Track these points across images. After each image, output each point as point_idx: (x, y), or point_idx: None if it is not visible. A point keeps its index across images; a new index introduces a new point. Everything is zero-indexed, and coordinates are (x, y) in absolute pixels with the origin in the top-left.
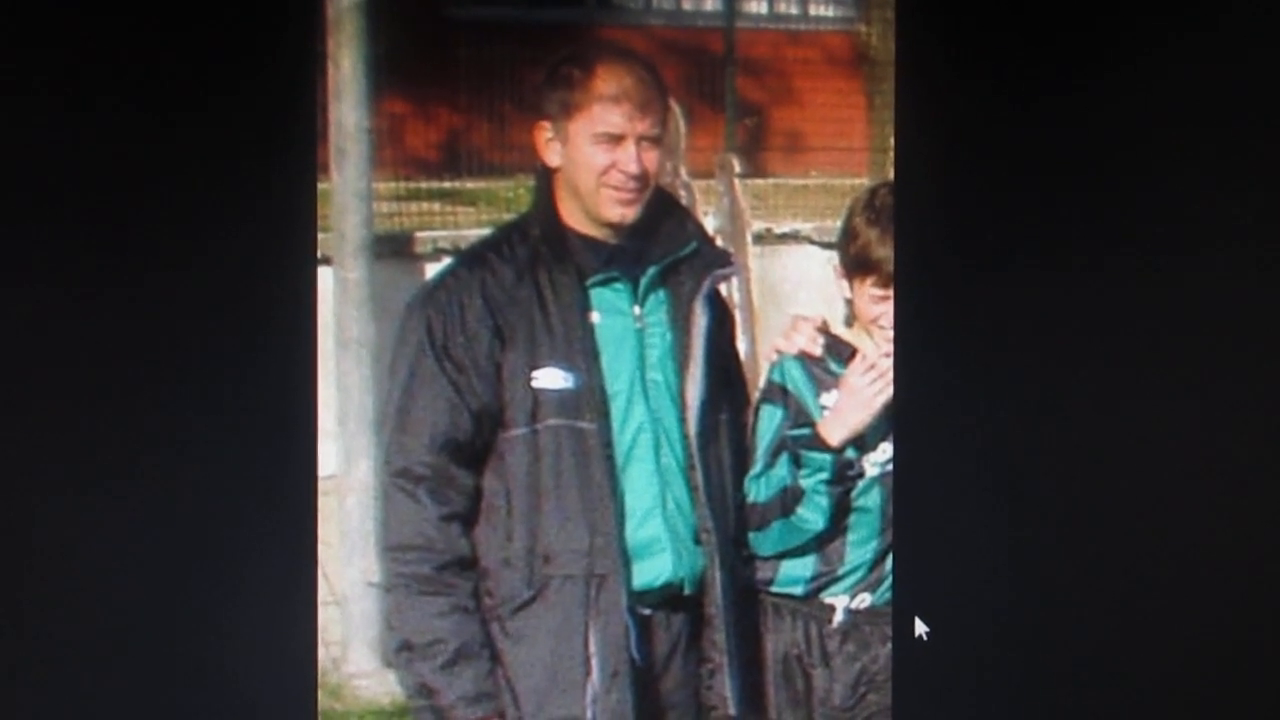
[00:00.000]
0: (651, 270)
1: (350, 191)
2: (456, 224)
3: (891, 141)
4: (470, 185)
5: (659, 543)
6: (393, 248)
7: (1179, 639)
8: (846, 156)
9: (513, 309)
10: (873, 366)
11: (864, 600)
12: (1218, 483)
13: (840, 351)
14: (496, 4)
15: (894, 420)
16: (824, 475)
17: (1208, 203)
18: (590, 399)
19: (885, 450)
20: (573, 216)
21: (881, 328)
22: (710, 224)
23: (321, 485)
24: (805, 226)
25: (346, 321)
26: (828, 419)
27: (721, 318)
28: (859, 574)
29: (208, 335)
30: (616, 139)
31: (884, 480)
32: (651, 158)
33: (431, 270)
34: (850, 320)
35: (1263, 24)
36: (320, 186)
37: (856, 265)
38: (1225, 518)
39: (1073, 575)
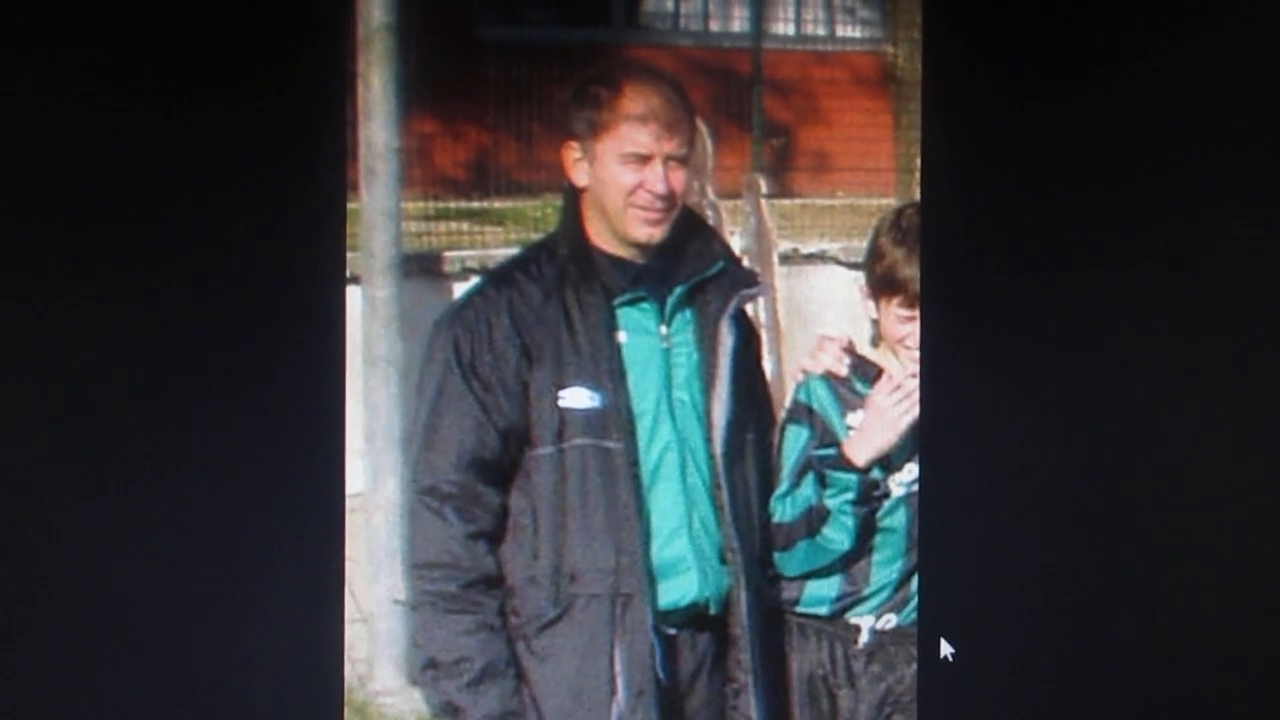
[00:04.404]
0: (678, 290)
1: (379, 210)
2: (484, 243)
3: (918, 162)
4: (498, 204)
5: (685, 562)
6: (421, 266)
7: (1213, 659)
8: (873, 177)
9: (540, 328)
10: (899, 386)
11: (889, 621)
12: (1256, 501)
13: (866, 371)
14: (525, 24)
15: (920, 440)
16: (849, 495)
17: (1244, 218)
18: (617, 418)
19: (911, 470)
20: (600, 236)
21: (907, 348)
22: (737, 244)
23: (349, 503)
24: (832, 246)
25: (374, 340)
26: (853, 439)
27: (748, 337)
28: (884, 594)
29: (236, 352)
30: (644, 159)
31: (910, 500)
32: (679, 177)
33: (459, 289)
34: (876, 340)
35: None
36: (349, 205)
37: (883, 285)
38: (1266, 537)
39: (1100, 595)
